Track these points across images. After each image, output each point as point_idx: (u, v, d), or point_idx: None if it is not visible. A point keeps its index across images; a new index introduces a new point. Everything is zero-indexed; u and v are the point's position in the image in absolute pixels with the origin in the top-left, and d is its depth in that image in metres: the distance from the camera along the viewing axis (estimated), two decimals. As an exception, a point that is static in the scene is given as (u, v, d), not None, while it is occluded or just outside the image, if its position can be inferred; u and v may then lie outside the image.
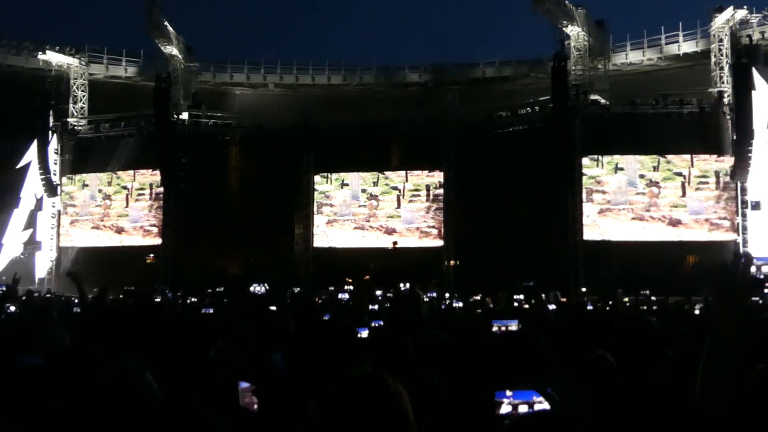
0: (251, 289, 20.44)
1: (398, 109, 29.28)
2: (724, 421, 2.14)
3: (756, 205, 23.72)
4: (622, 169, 25.27)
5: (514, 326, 6.73)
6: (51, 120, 28.70)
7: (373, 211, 28.50)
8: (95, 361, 3.31)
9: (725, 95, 24.61)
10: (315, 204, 29.00)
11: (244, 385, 3.28)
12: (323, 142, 28.23)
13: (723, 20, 25.04)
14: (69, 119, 29.62)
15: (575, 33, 26.51)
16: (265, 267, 26.15)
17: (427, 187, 28.23)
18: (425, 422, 1.99)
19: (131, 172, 29.18)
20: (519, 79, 30.59)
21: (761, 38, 24.65)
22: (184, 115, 28.95)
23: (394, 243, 24.06)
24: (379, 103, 30.38)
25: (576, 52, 26.63)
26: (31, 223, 29.26)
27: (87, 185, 29.98)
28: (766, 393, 2.37)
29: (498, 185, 25.78)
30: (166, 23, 28.92)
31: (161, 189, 28.13)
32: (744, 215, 23.84)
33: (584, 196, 25.21)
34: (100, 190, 29.81)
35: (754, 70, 23.22)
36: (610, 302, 14.94)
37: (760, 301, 13.85)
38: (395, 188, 28.43)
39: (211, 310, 10.97)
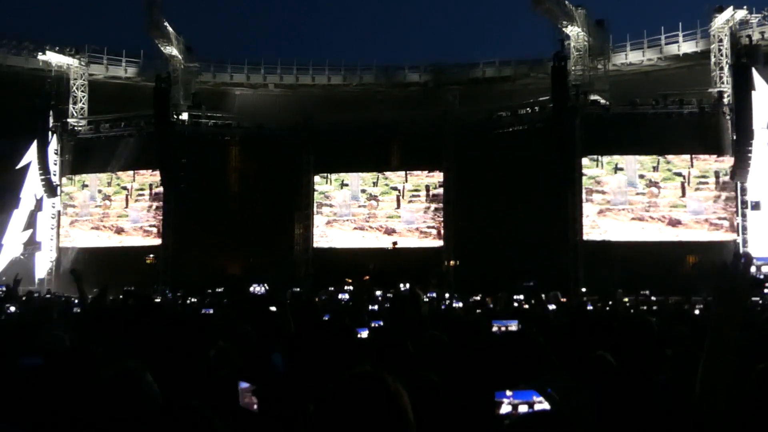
0: (251, 289, 20.44)
1: (398, 109, 29.28)
2: (724, 421, 2.14)
3: (756, 205, 23.72)
4: (621, 169, 25.28)
5: (514, 326, 6.72)
6: (51, 120, 28.71)
7: (372, 211, 28.51)
8: (95, 361, 3.31)
9: (725, 95, 24.62)
10: (315, 204, 29.01)
11: (244, 385, 3.28)
12: (323, 142, 28.23)
13: (723, 20, 25.04)
14: (69, 119, 29.62)
15: (575, 33, 26.51)
16: (265, 267, 26.15)
17: (427, 188, 28.22)
18: (425, 422, 1.99)
19: (131, 172, 29.17)
20: (519, 79, 30.60)
21: (761, 38, 24.66)
22: (184, 116, 28.96)
23: (394, 243, 24.06)
24: (379, 103, 30.38)
25: (576, 52, 26.63)
26: (31, 223, 29.26)
27: (87, 186, 29.98)
28: (766, 393, 2.37)
29: (498, 185, 25.78)
30: (166, 23, 28.93)
31: (161, 189, 28.12)
32: (744, 215, 23.84)
33: (584, 196, 25.22)
34: (99, 191, 29.80)
35: (753, 70, 23.23)
36: (610, 302, 14.94)
37: (760, 301, 13.86)
38: (395, 188, 28.43)
39: (211, 311, 10.96)
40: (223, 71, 32.49)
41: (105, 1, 65.84)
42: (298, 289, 21.25)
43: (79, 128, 29.74)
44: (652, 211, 24.74)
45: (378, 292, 17.18)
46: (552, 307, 11.39)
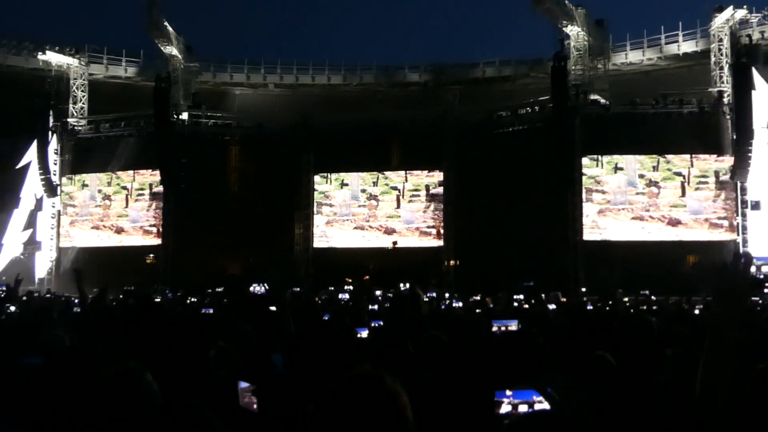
0: (251, 289, 20.45)
1: (398, 109, 29.28)
2: (724, 421, 2.13)
3: (756, 205, 23.71)
4: (621, 168, 25.28)
5: (514, 326, 6.71)
6: (51, 120, 28.71)
7: (372, 211, 28.50)
8: (95, 361, 3.31)
9: (725, 95, 24.62)
10: (315, 204, 29.00)
11: (244, 385, 3.27)
12: (323, 142, 28.22)
13: (723, 20, 25.04)
14: (69, 119, 29.62)
15: (575, 33, 26.52)
16: (265, 267, 26.16)
17: (427, 187, 28.22)
18: (425, 422, 1.99)
19: (131, 172, 29.17)
20: (519, 79, 30.60)
21: (761, 38, 24.66)
22: (184, 115, 28.96)
23: (394, 243, 24.08)
24: (379, 103, 30.38)
25: (576, 52, 26.63)
26: (31, 223, 29.26)
27: (87, 185, 29.98)
28: (766, 393, 2.37)
29: (498, 185, 25.78)
30: (166, 23, 28.93)
31: (161, 189, 28.12)
32: (744, 215, 23.83)
33: (584, 195, 25.22)
34: (99, 191, 29.80)
35: (753, 70, 23.22)
36: (610, 302, 14.92)
37: (760, 301, 13.86)
38: (395, 188, 28.43)
39: (211, 310, 10.94)
40: (223, 71, 32.50)
41: (105, 1, 65.92)
42: (298, 289, 21.24)
43: (79, 128, 29.75)
44: (652, 210, 24.74)
45: (378, 292, 17.16)
46: (552, 307, 11.39)
